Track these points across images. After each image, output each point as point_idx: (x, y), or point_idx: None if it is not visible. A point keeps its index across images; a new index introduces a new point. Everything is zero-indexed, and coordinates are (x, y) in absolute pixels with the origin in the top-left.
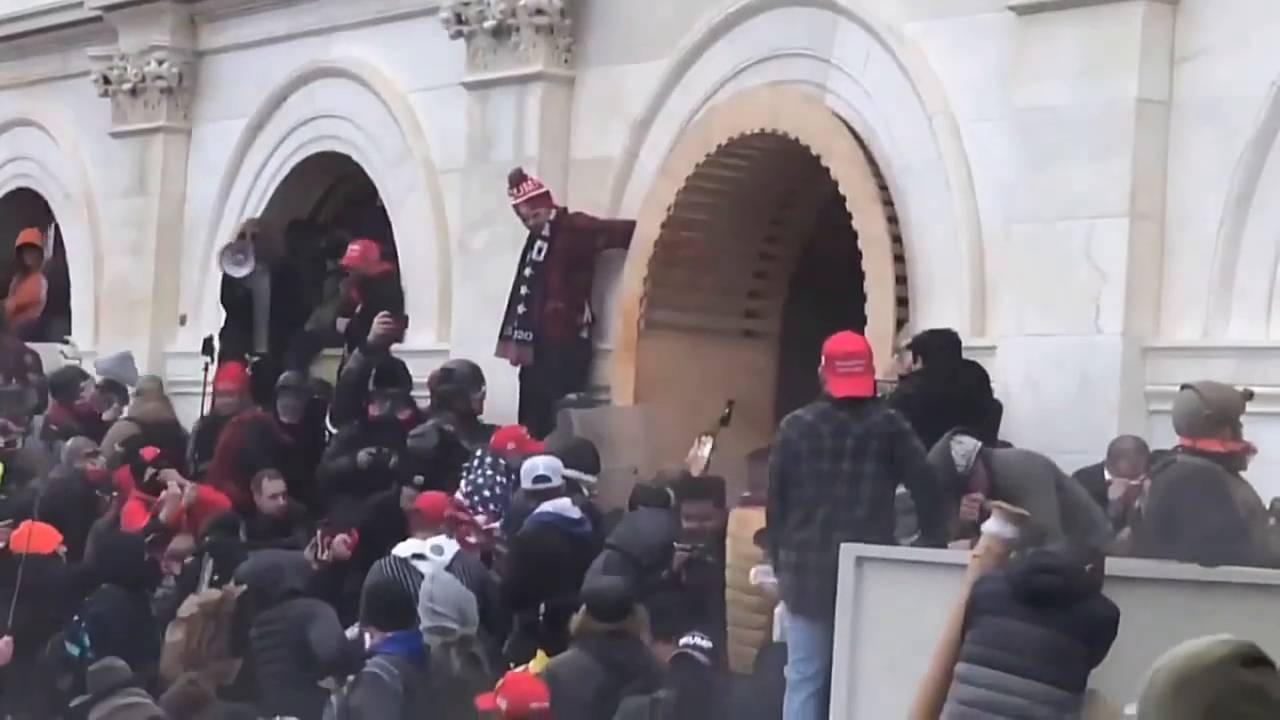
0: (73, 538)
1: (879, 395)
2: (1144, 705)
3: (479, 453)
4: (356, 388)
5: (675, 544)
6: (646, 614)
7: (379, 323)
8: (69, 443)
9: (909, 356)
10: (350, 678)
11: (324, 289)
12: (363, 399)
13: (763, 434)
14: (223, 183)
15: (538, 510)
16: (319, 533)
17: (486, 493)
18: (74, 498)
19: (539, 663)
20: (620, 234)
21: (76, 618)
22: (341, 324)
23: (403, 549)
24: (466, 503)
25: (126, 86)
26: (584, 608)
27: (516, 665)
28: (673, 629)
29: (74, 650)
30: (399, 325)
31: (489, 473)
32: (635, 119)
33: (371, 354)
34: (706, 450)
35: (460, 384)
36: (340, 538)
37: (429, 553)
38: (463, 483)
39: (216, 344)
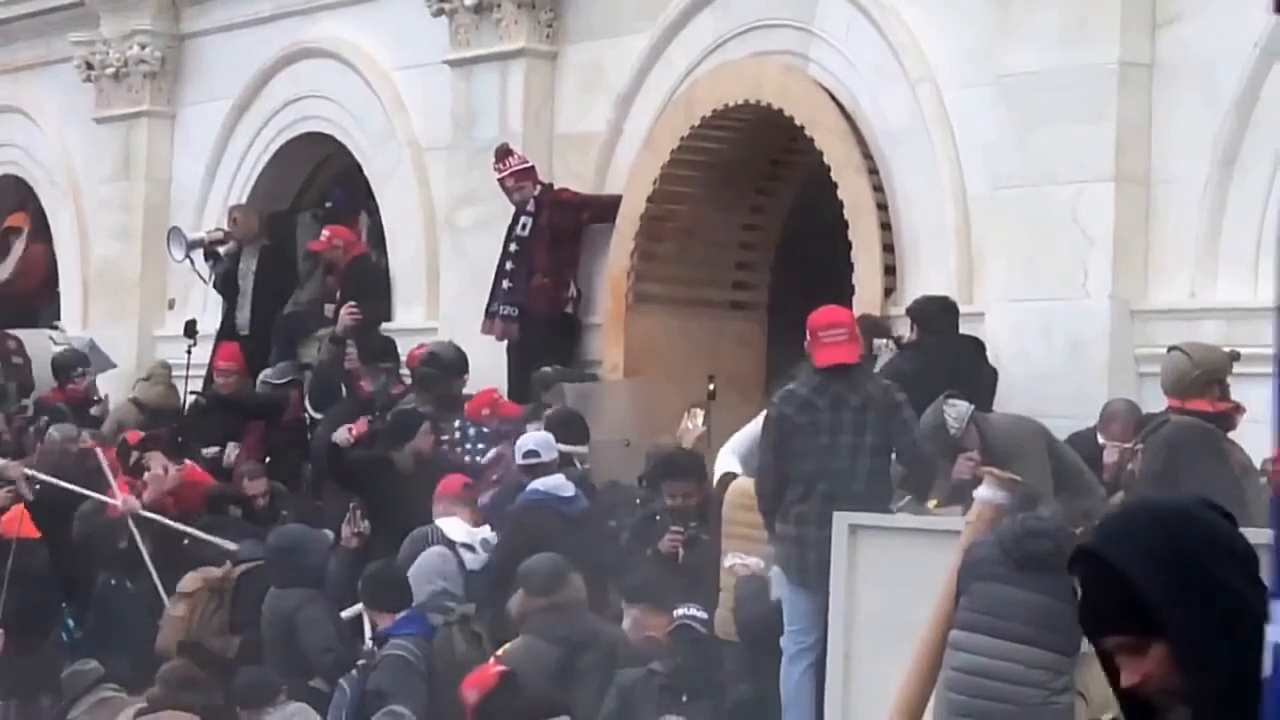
0: (65, 524)
1: (874, 354)
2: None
3: (456, 424)
4: (331, 376)
5: (670, 526)
6: (583, 584)
7: (346, 312)
8: (54, 430)
9: (893, 325)
10: (360, 661)
11: (300, 272)
12: (337, 385)
13: (753, 404)
14: (208, 165)
15: (529, 488)
16: (351, 506)
17: (467, 460)
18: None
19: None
20: (605, 208)
21: (65, 604)
22: (329, 310)
23: (454, 531)
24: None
25: (110, 71)
26: (519, 590)
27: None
28: (663, 602)
29: (64, 636)
30: (366, 314)
31: (469, 445)
32: (618, 93)
33: (340, 343)
34: (698, 422)
35: (444, 369)
36: (344, 428)
37: (479, 546)
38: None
39: (199, 327)
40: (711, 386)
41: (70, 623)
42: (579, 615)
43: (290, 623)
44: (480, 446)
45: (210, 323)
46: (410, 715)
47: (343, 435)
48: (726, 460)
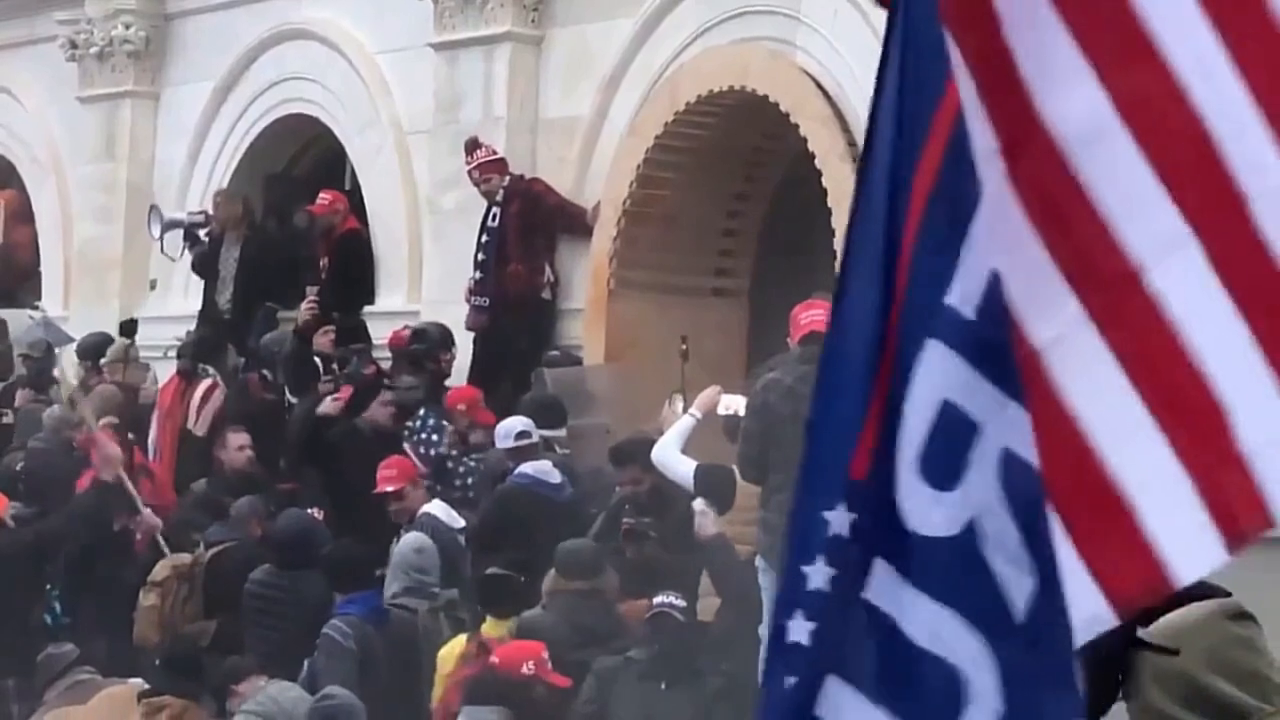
0: (54, 505)
1: None
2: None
3: (421, 413)
4: (300, 368)
5: (624, 518)
6: (616, 576)
7: (305, 307)
8: (49, 413)
9: None
10: (317, 642)
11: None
12: (306, 375)
13: (734, 392)
14: (191, 146)
15: (517, 471)
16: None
17: (425, 450)
18: (57, 468)
19: (494, 627)
20: (579, 225)
21: (49, 586)
22: (311, 292)
23: (447, 517)
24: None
25: (94, 51)
26: (552, 570)
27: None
28: (642, 590)
29: (47, 619)
30: (329, 305)
31: (425, 436)
32: (604, 78)
33: (302, 338)
34: (679, 409)
35: (431, 344)
36: (328, 399)
37: None
38: (410, 445)
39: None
40: (684, 347)
41: (57, 606)
42: (608, 607)
43: (320, 603)
44: (435, 439)
45: (192, 303)
46: (344, 693)
47: (327, 405)
48: (679, 457)
